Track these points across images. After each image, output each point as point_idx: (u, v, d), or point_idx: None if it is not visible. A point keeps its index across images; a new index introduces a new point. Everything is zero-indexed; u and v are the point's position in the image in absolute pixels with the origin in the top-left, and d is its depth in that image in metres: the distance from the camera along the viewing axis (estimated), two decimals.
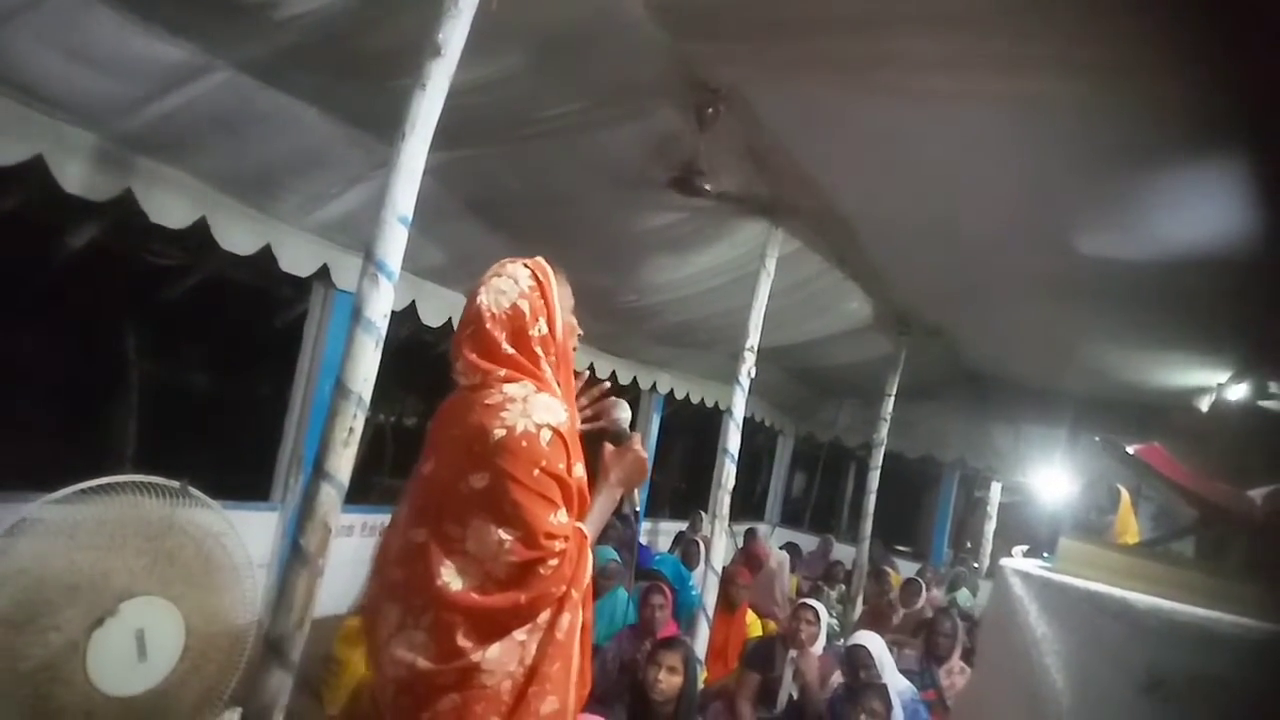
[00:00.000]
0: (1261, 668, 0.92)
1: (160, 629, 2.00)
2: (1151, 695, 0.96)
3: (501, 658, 1.51)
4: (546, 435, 1.55)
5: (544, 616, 1.56)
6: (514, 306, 1.68)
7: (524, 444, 1.52)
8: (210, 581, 2.13)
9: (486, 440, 1.54)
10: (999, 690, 1.11)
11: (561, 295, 1.77)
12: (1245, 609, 0.96)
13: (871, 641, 3.85)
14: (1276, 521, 1.20)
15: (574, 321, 1.83)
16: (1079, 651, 1.02)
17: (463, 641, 1.49)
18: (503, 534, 1.51)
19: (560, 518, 1.56)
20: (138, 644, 1.97)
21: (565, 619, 1.58)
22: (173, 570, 2.06)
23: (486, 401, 1.59)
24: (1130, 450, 1.32)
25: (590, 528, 1.67)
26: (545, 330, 1.70)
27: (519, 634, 1.53)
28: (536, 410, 1.57)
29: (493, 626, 1.52)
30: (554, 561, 1.53)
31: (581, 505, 1.68)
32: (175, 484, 2.17)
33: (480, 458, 1.54)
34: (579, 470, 1.66)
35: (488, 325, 1.66)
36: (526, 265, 1.76)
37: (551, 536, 1.53)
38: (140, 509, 2.06)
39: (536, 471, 1.53)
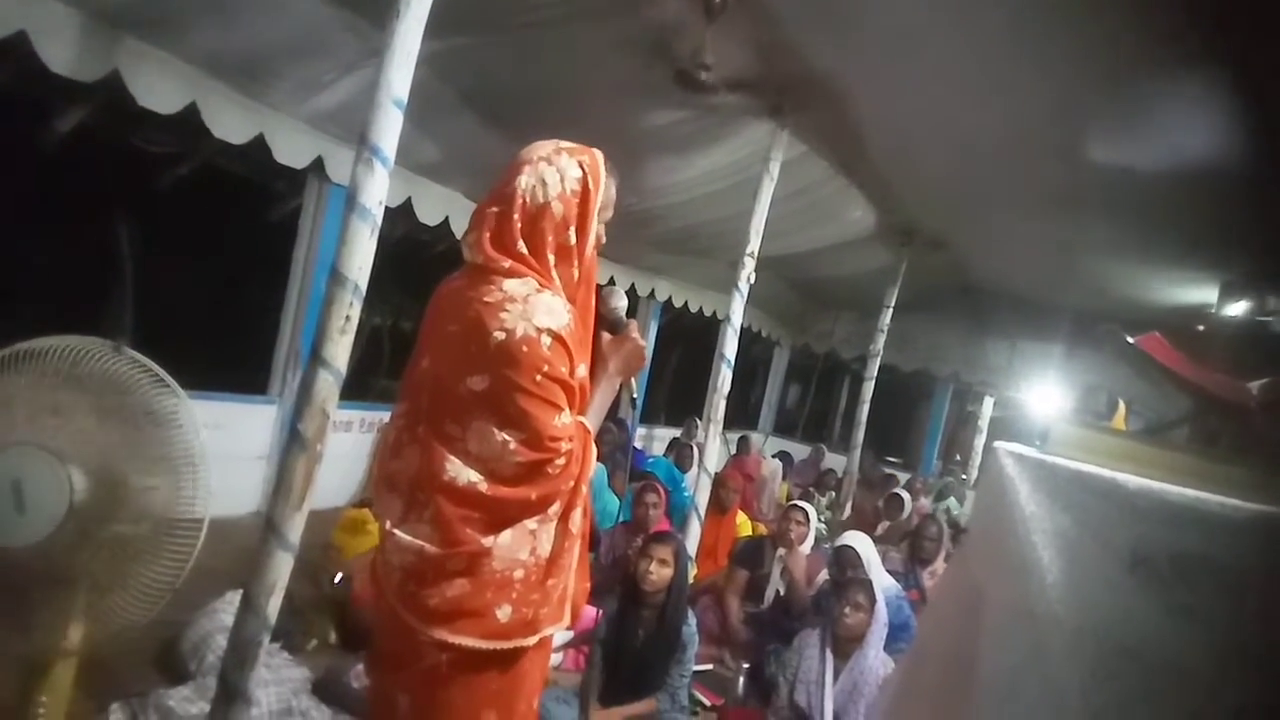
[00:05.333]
0: (1243, 546, 0.94)
1: (39, 482, 1.90)
2: (1135, 573, 0.99)
3: (512, 544, 1.51)
4: (546, 340, 1.48)
5: (555, 509, 1.56)
6: (547, 205, 1.55)
7: (524, 349, 1.47)
8: (109, 440, 2.00)
9: (485, 342, 1.48)
10: (986, 566, 1.14)
11: (605, 201, 1.63)
12: (1232, 490, 0.98)
13: (860, 542, 3.93)
14: (1270, 408, 1.21)
15: (601, 231, 1.67)
16: (1067, 530, 1.04)
17: (472, 530, 1.49)
18: (506, 435, 1.49)
19: (564, 419, 1.54)
20: (14, 495, 1.90)
21: (577, 512, 1.60)
22: (56, 421, 1.94)
23: (486, 299, 1.51)
24: (1130, 340, 1.32)
25: (592, 421, 1.66)
26: (574, 241, 1.59)
27: (530, 523, 1.53)
28: (537, 313, 1.49)
29: (503, 516, 1.52)
30: (560, 461, 1.52)
31: (583, 402, 1.65)
32: (98, 341, 2.02)
33: (478, 359, 1.49)
34: (582, 371, 1.61)
35: (515, 215, 1.54)
36: (582, 163, 1.59)
37: (556, 439, 1.51)
38: (33, 365, 1.91)
39: (539, 377, 1.48)
